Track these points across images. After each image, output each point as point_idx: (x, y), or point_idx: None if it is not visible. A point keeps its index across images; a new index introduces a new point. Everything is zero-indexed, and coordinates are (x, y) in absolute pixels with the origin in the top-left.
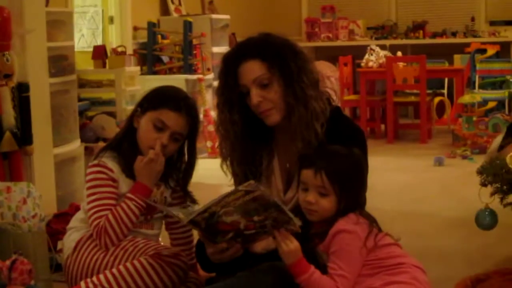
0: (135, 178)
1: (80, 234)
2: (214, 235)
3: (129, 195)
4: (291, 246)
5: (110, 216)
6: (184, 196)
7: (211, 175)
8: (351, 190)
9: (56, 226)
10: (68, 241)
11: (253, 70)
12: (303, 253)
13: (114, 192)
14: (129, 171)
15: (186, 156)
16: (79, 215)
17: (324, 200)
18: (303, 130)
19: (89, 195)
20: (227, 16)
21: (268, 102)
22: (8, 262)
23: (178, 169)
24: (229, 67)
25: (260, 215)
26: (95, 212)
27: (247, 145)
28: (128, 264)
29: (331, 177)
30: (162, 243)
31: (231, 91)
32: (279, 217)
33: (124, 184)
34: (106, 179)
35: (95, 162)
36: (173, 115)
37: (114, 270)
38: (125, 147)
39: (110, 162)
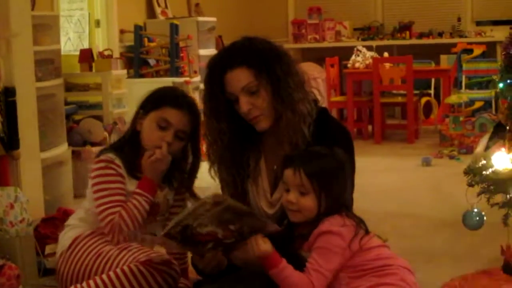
0: (138, 178)
1: (76, 232)
2: (194, 246)
3: (138, 190)
4: (263, 247)
5: (123, 213)
6: (184, 200)
7: (199, 178)
8: (331, 189)
9: (44, 230)
10: (64, 238)
11: (240, 78)
12: (288, 254)
13: (123, 188)
14: (131, 172)
15: (190, 157)
16: (79, 213)
17: (304, 199)
18: (291, 134)
19: (98, 191)
20: (213, 19)
21: (257, 109)
22: None
23: (182, 170)
24: (215, 76)
25: (235, 224)
26: (106, 209)
27: (234, 150)
28: (118, 270)
29: (309, 175)
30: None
31: (217, 100)
32: (254, 224)
33: (129, 183)
34: (115, 174)
35: (102, 157)
36: (176, 113)
37: (104, 276)
38: (127, 150)
39: (116, 159)
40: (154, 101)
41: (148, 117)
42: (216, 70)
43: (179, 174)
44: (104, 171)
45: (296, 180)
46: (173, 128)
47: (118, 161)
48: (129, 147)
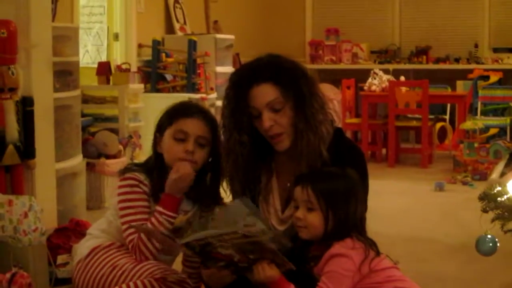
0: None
1: (96, 242)
2: (206, 260)
3: (158, 208)
4: (269, 273)
5: (142, 233)
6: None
7: None
8: (339, 209)
9: (56, 240)
10: (83, 247)
11: (266, 93)
12: (300, 275)
13: (147, 206)
14: (156, 195)
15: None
16: (101, 224)
17: (310, 215)
18: (310, 155)
19: (124, 208)
20: (231, 36)
21: (279, 126)
22: (8, 275)
23: (208, 191)
24: (241, 90)
25: (255, 255)
26: (128, 228)
27: (249, 165)
28: (131, 284)
29: (316, 191)
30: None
31: (242, 114)
32: (273, 260)
33: (153, 206)
34: (140, 192)
35: (129, 175)
36: (190, 121)
37: None
38: (156, 174)
39: (145, 179)
40: (166, 119)
41: (165, 135)
42: (242, 83)
43: (207, 197)
44: (130, 188)
45: (303, 196)
46: (192, 136)
47: (146, 181)
48: (157, 172)
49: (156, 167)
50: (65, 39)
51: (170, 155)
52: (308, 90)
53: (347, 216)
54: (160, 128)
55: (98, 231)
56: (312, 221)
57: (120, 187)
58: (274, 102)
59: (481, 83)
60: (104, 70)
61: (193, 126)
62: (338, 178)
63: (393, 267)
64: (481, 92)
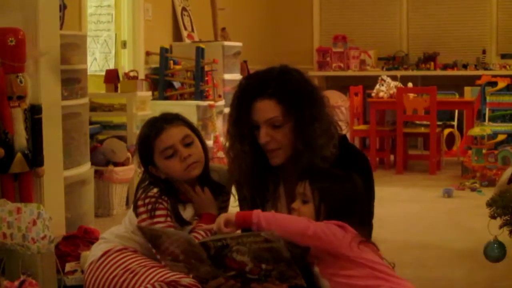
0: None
1: (109, 246)
2: (217, 267)
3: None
4: None
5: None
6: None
7: None
8: (332, 205)
9: (65, 248)
10: (97, 249)
11: (268, 110)
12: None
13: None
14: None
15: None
16: (118, 230)
17: (304, 207)
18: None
19: (152, 224)
20: (239, 43)
21: (276, 143)
22: (16, 283)
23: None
24: (245, 101)
25: (269, 264)
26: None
27: (255, 172)
28: None
29: (312, 185)
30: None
31: (243, 124)
32: (286, 272)
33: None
34: (163, 209)
35: (148, 194)
36: (163, 136)
37: None
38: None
39: (164, 196)
40: (145, 151)
41: (157, 162)
42: (247, 94)
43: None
44: (153, 205)
45: (300, 188)
46: (177, 145)
47: (164, 197)
48: (171, 189)
49: (168, 187)
50: (73, 47)
51: (175, 172)
52: (311, 114)
53: (341, 216)
54: (148, 162)
55: (113, 235)
56: (304, 212)
57: (141, 206)
58: (274, 119)
59: (489, 89)
60: (112, 77)
61: (170, 137)
62: (338, 178)
63: (381, 264)
64: (489, 98)
